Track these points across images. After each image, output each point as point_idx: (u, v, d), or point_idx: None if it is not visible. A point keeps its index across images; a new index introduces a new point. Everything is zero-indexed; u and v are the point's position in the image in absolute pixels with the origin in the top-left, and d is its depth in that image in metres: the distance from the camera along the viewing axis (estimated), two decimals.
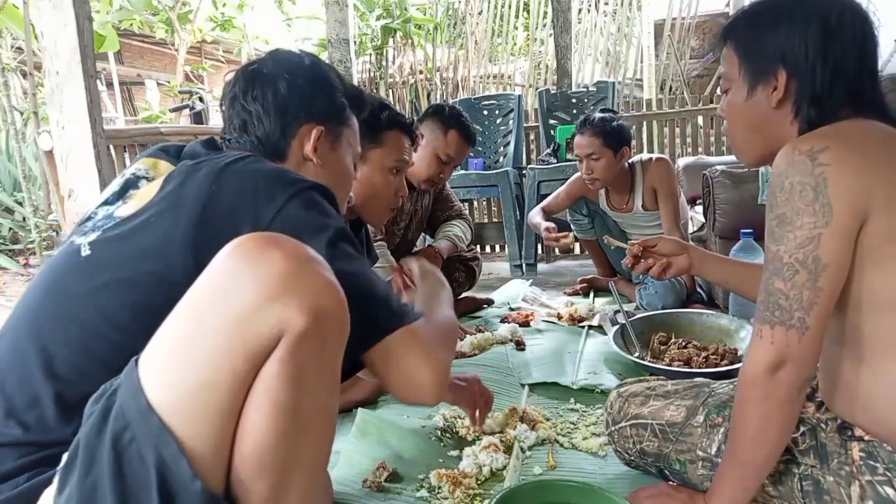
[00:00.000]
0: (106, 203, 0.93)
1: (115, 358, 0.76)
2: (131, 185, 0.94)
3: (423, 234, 2.80)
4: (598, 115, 2.65)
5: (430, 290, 1.17)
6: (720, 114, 1.14)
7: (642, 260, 1.59)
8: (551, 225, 2.69)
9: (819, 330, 0.90)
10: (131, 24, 7.84)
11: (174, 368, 0.68)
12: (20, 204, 4.52)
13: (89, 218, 0.93)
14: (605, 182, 2.70)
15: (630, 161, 2.73)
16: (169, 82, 8.01)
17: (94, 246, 0.86)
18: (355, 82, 4.11)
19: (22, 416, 0.78)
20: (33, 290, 0.88)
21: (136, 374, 0.69)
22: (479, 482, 1.32)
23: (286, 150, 1.04)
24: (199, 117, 5.99)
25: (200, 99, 6.28)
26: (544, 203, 2.93)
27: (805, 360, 0.90)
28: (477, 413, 1.41)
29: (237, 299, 0.68)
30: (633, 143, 3.03)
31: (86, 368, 0.78)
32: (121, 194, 0.94)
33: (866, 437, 0.94)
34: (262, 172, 0.88)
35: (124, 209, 0.90)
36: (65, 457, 0.70)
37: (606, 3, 6.09)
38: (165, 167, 0.97)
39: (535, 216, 2.86)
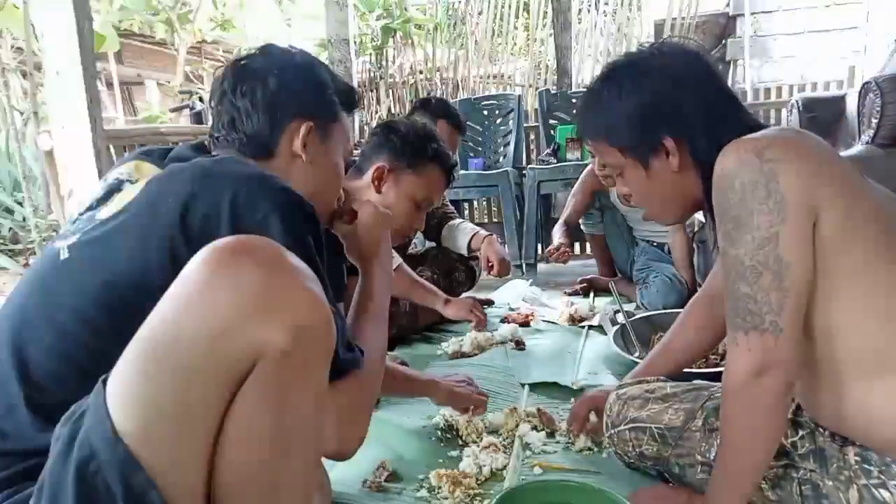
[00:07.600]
0: (89, 209, 0.92)
1: (92, 362, 0.73)
2: (114, 189, 0.92)
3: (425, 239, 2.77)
4: None
5: (370, 296, 1.10)
6: (623, 195, 1.13)
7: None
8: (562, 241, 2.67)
9: (793, 331, 0.88)
10: (131, 24, 7.83)
11: (142, 392, 0.63)
12: (20, 204, 4.51)
13: (73, 223, 0.91)
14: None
15: None
16: (169, 82, 8.02)
17: (73, 249, 0.83)
18: (355, 82, 4.11)
19: (0, 424, 0.75)
20: (15, 295, 0.86)
21: (102, 398, 0.64)
22: (479, 482, 1.31)
23: (275, 147, 1.01)
24: (199, 117, 5.98)
25: (200, 99, 6.28)
26: (565, 216, 2.85)
27: (786, 364, 0.89)
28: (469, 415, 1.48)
29: (208, 318, 0.63)
30: None
31: (61, 374, 0.75)
32: (104, 199, 0.91)
33: (858, 442, 0.94)
34: (245, 177, 0.85)
35: (105, 211, 0.87)
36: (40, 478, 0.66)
37: (606, 3, 6.08)
38: (149, 169, 0.94)
39: (557, 235, 2.79)
